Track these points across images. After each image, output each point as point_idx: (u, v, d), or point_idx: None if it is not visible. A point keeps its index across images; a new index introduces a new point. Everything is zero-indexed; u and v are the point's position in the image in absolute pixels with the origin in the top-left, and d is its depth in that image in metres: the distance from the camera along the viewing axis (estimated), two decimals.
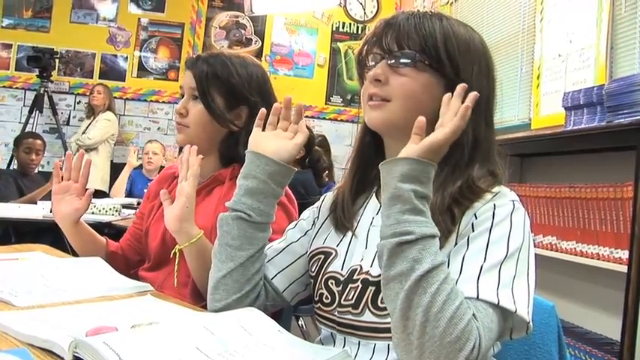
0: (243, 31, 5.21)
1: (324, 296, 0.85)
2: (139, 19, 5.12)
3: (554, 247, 2.06)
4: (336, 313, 0.83)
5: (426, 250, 0.67)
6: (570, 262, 1.97)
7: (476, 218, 0.74)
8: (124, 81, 5.06)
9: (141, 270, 1.27)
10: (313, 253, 0.91)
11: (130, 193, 3.87)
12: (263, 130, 0.93)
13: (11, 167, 4.11)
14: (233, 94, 1.21)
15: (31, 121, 4.54)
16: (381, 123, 0.82)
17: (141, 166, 4.14)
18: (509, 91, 3.05)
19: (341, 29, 5.27)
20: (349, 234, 0.88)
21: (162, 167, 3.86)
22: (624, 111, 1.78)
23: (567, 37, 2.54)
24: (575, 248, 1.96)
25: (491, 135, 0.83)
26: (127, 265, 1.30)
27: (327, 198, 0.96)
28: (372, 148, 0.89)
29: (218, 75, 1.20)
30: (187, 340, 0.66)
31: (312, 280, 0.90)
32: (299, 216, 1.00)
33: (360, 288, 0.80)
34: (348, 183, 0.90)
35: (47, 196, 2.99)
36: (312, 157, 2.99)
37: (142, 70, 5.10)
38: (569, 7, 2.55)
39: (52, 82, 4.73)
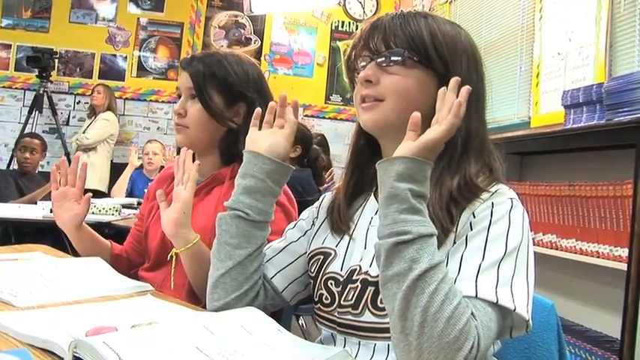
0: (242, 31, 5.21)
1: (324, 297, 0.85)
2: (138, 18, 5.12)
3: (554, 245, 2.06)
4: (335, 314, 0.83)
5: (423, 249, 0.67)
6: (570, 260, 1.97)
7: (474, 217, 0.74)
8: (124, 81, 5.06)
9: (141, 270, 1.27)
10: (312, 253, 0.91)
11: (130, 194, 3.87)
12: (260, 129, 0.94)
13: (11, 167, 4.11)
14: (231, 92, 1.21)
15: (30, 121, 4.54)
16: (375, 124, 0.82)
17: (142, 167, 4.14)
18: (508, 89, 3.05)
19: (340, 28, 5.27)
20: (347, 236, 0.88)
21: (162, 167, 3.85)
22: (624, 109, 1.78)
23: (566, 36, 2.54)
24: (574, 246, 1.96)
25: (483, 128, 0.83)
26: (131, 267, 1.30)
27: (327, 198, 0.96)
28: (367, 151, 0.89)
29: (215, 74, 1.20)
30: (187, 340, 0.66)
31: (311, 281, 0.90)
32: (298, 216, 1.00)
33: (359, 288, 0.80)
34: (344, 187, 0.90)
35: (47, 197, 2.98)
36: (310, 155, 2.99)
37: (142, 69, 5.10)
38: (569, 5, 2.55)
39: (51, 82, 4.73)
